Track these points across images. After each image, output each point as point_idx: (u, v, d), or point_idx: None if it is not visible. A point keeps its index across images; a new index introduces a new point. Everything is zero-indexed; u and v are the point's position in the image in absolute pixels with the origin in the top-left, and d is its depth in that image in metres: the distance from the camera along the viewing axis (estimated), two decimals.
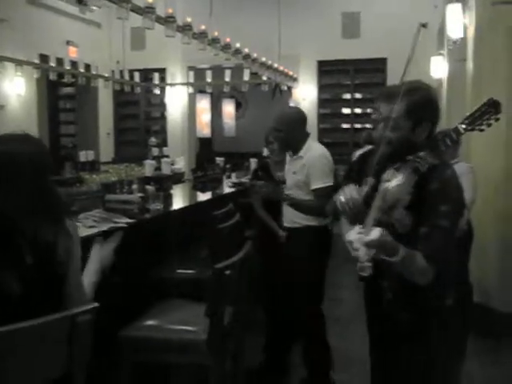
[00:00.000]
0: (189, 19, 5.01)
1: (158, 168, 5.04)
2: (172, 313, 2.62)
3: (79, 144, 10.84)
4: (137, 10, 3.96)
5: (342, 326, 4.66)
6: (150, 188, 4.08)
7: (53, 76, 7.13)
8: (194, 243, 3.72)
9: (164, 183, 4.38)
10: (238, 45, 6.26)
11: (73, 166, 6.88)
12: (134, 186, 4.12)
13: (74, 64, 7.69)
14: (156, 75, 9.58)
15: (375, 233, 1.71)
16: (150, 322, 2.54)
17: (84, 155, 7.28)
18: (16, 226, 1.73)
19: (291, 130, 3.50)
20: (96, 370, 1.93)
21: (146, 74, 10.25)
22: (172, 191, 4.69)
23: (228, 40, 5.82)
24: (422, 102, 1.96)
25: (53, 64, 6.98)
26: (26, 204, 1.75)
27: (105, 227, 2.79)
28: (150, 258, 3.31)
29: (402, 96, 1.89)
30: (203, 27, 5.35)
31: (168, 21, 4.26)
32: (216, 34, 5.44)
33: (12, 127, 6.31)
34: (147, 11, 3.98)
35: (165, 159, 5.19)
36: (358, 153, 3.93)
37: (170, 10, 4.24)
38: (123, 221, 2.94)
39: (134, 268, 3.10)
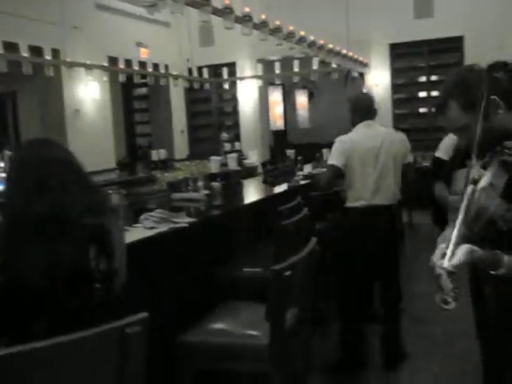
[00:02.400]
0: (263, 16, 4.95)
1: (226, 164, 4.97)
2: (235, 316, 2.50)
3: (154, 143, 11.02)
4: (192, 3, 3.87)
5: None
6: (215, 185, 4.00)
7: (122, 78, 7.22)
8: (262, 240, 3.60)
9: (231, 179, 4.28)
10: (302, 33, 6.06)
11: (145, 166, 6.93)
12: (200, 184, 4.05)
13: (142, 64, 7.77)
14: (225, 70, 9.53)
15: (461, 254, 1.42)
16: (211, 326, 2.43)
17: (156, 154, 7.32)
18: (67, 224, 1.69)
19: (351, 115, 3.81)
20: (151, 379, 1.84)
21: (216, 70, 10.26)
22: (240, 186, 4.60)
23: (292, 28, 5.65)
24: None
25: (122, 66, 7.06)
26: (72, 202, 1.71)
27: (164, 227, 2.72)
28: (214, 257, 3.22)
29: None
30: (278, 22, 5.26)
31: (225, 12, 4.15)
32: (277, 22, 5.28)
33: (88, 130, 6.51)
34: (204, 4, 3.88)
35: (231, 154, 5.09)
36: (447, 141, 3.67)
37: (227, 1, 4.13)
38: (184, 220, 2.86)
39: (197, 268, 3.02)
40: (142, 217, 2.86)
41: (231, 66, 10.42)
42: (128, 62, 7.40)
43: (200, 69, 9.18)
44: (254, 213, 3.76)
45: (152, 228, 2.72)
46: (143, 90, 11.76)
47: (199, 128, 11.79)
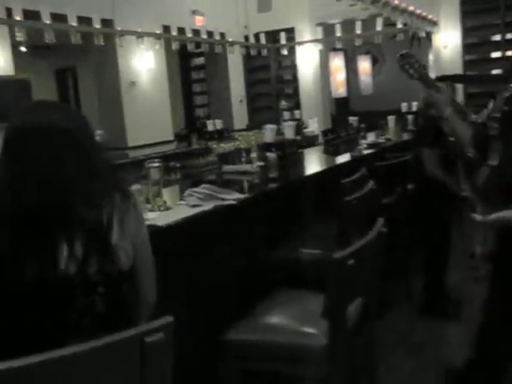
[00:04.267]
0: None
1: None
2: (289, 308, 2.17)
3: (212, 113, 10.78)
4: None
5: None
6: (270, 155, 3.65)
7: (175, 46, 6.93)
8: (321, 218, 3.24)
9: (287, 149, 3.92)
10: None
11: (200, 137, 6.65)
12: (253, 155, 3.71)
13: (197, 33, 7.46)
14: (283, 35, 9.09)
15: None
16: (261, 321, 2.10)
17: (212, 124, 7.03)
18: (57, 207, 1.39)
19: None
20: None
21: (274, 36, 9.85)
22: (298, 157, 4.24)
23: None
24: None
25: (175, 33, 6.77)
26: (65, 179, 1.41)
27: (210, 205, 2.41)
28: (266, 238, 2.88)
29: None
30: None
31: None
32: None
33: (144, 102, 6.32)
34: None
35: (288, 122, 4.72)
36: None
37: None
38: (232, 197, 2.53)
39: (246, 251, 2.68)
40: (186, 193, 2.56)
41: (289, 32, 10.00)
42: (181, 30, 7.10)
43: (257, 35, 8.80)
44: (312, 187, 3.39)
45: (195, 206, 2.41)
46: (201, 60, 11.52)
47: (258, 97, 11.45)
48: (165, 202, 2.51)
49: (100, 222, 1.44)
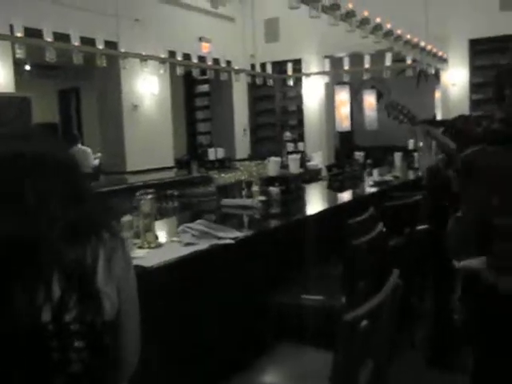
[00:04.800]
0: None
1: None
2: (289, 368, 1.90)
3: (215, 141, 10.65)
4: None
5: None
6: (273, 190, 3.45)
7: (180, 71, 6.79)
8: (325, 261, 3.01)
9: (291, 184, 3.71)
10: (378, 20, 5.42)
11: (201, 165, 6.45)
12: (255, 188, 3.50)
13: (202, 59, 7.33)
14: (289, 66, 8.97)
15: None
16: (256, 381, 1.83)
17: (213, 153, 6.84)
18: (34, 249, 1.19)
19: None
20: None
21: (280, 67, 9.75)
22: (302, 192, 4.03)
23: (367, 14, 5.03)
24: None
25: (180, 58, 6.63)
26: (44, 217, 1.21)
27: (205, 244, 2.19)
28: (264, 282, 2.62)
29: None
30: (350, 5, 4.70)
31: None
32: (350, 6, 4.71)
33: (146, 126, 6.21)
34: None
35: (293, 156, 4.52)
36: None
37: None
38: (230, 235, 2.31)
39: (242, 297, 2.43)
40: (180, 228, 2.34)
41: (296, 63, 9.89)
42: (187, 56, 6.98)
43: (263, 65, 8.69)
44: (316, 226, 3.16)
45: (189, 244, 2.19)
46: (205, 87, 11.41)
47: (262, 127, 11.32)
48: (156, 238, 2.30)
49: (81, 260, 1.23)
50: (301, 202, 3.85)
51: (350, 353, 1.49)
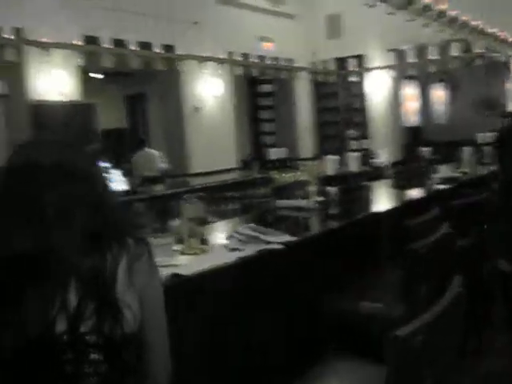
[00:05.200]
0: None
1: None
2: (343, 380, 1.76)
3: (279, 141, 10.54)
4: None
5: None
6: (331, 190, 3.29)
7: (239, 71, 6.72)
8: (385, 265, 2.82)
9: (350, 183, 3.54)
10: (442, 6, 5.12)
11: (262, 165, 6.36)
12: (312, 188, 3.35)
13: (262, 59, 7.25)
14: (351, 61, 8.75)
15: None
16: None
17: (275, 152, 6.73)
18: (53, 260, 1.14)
19: None
20: None
21: (343, 62, 9.54)
22: (362, 192, 3.84)
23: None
24: None
25: (239, 58, 6.56)
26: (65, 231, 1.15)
27: (252, 250, 2.06)
28: (317, 287, 2.46)
29: None
30: None
31: None
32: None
33: (208, 129, 6.24)
34: None
35: (353, 153, 4.33)
36: None
37: None
38: (279, 239, 2.18)
39: (293, 303, 2.28)
40: (229, 234, 2.23)
41: (359, 59, 9.65)
42: (246, 56, 6.90)
43: (325, 62, 8.52)
44: (374, 227, 2.97)
45: (234, 250, 2.07)
46: (269, 87, 11.32)
47: (326, 125, 11.12)
48: (204, 243, 2.19)
49: (100, 267, 1.17)
50: (360, 202, 3.65)
51: (403, 370, 1.33)
